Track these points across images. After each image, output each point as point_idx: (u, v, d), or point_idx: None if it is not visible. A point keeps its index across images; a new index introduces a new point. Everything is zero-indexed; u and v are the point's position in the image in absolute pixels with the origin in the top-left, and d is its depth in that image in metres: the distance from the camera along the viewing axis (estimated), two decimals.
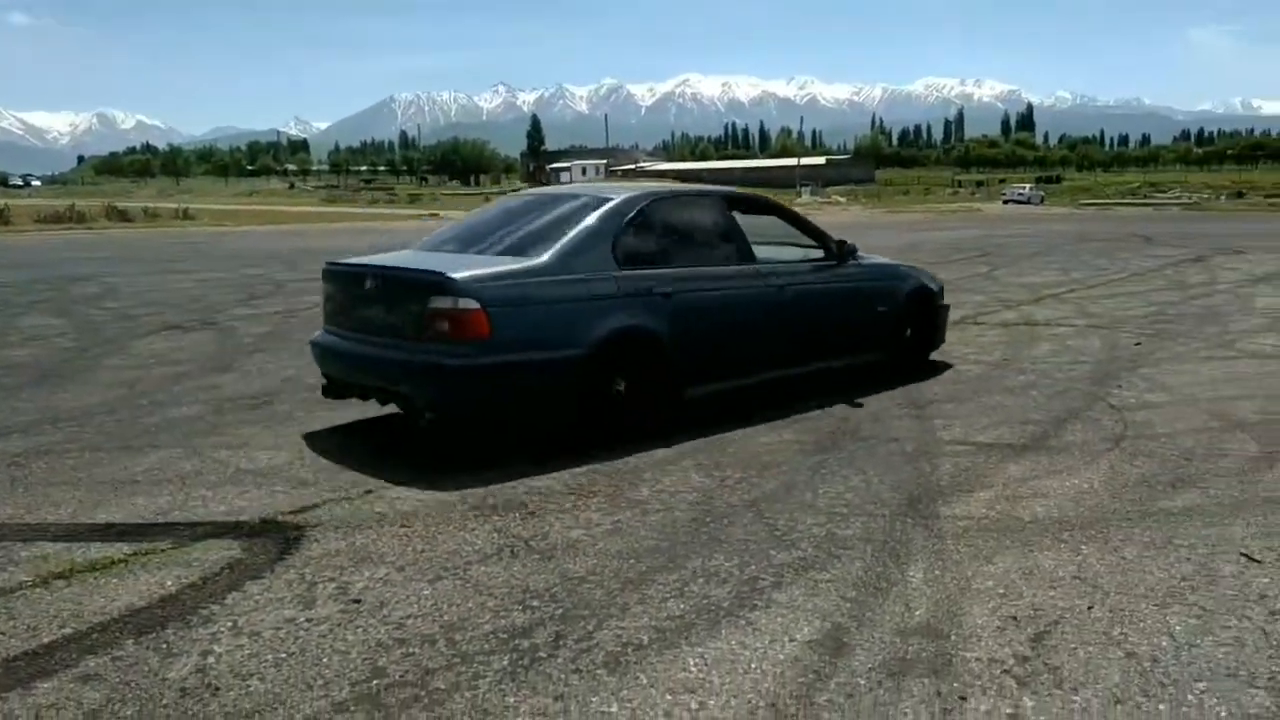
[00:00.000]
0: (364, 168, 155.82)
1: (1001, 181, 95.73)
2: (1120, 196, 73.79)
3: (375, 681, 2.53)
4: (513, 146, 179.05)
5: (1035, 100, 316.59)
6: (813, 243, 6.43)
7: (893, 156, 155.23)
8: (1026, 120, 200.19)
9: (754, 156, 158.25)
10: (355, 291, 5.11)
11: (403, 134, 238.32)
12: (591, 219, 5.08)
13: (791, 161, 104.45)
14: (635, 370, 4.97)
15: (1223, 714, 2.33)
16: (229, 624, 2.88)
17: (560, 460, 4.55)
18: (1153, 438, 4.89)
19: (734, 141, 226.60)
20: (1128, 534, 3.55)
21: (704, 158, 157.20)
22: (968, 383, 6.40)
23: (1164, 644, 2.69)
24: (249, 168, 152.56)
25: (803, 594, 3.06)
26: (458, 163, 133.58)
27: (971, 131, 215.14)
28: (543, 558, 3.38)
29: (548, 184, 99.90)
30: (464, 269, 4.68)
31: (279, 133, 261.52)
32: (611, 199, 5.32)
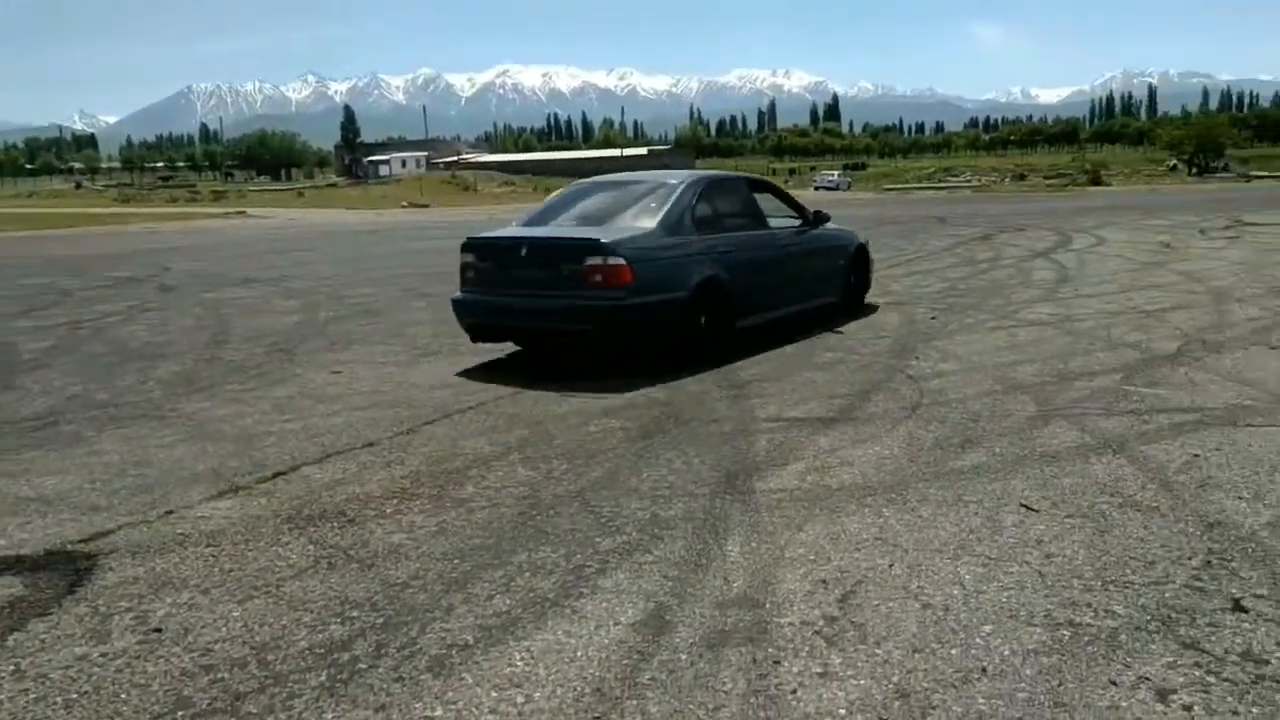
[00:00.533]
0: (161, 164, 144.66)
1: (812, 169, 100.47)
2: (918, 181, 79.14)
3: (180, 713, 2.38)
4: (325, 139, 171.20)
5: (840, 90, 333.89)
6: (793, 212, 8.41)
7: (711, 146, 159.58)
8: (833, 110, 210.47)
9: (578, 147, 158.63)
10: (506, 258, 6.63)
11: (203, 127, 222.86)
12: (674, 197, 6.80)
13: (615, 152, 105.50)
14: (711, 308, 6.62)
15: (1005, 652, 2.56)
16: (9, 668, 2.63)
17: (383, 467, 4.43)
18: (945, 404, 5.29)
19: (557, 132, 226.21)
20: (923, 494, 3.83)
21: (528, 148, 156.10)
22: (782, 361, 6.69)
23: (955, 593, 2.92)
24: (28, 167, 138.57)
25: (627, 578, 3.11)
26: (266, 156, 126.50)
27: (783, 121, 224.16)
28: (362, 566, 3.28)
29: (365, 178, 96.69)
30: (609, 235, 6.26)
31: (61, 128, 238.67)
32: (679, 183, 7.03)
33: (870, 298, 9.46)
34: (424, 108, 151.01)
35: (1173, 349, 6.54)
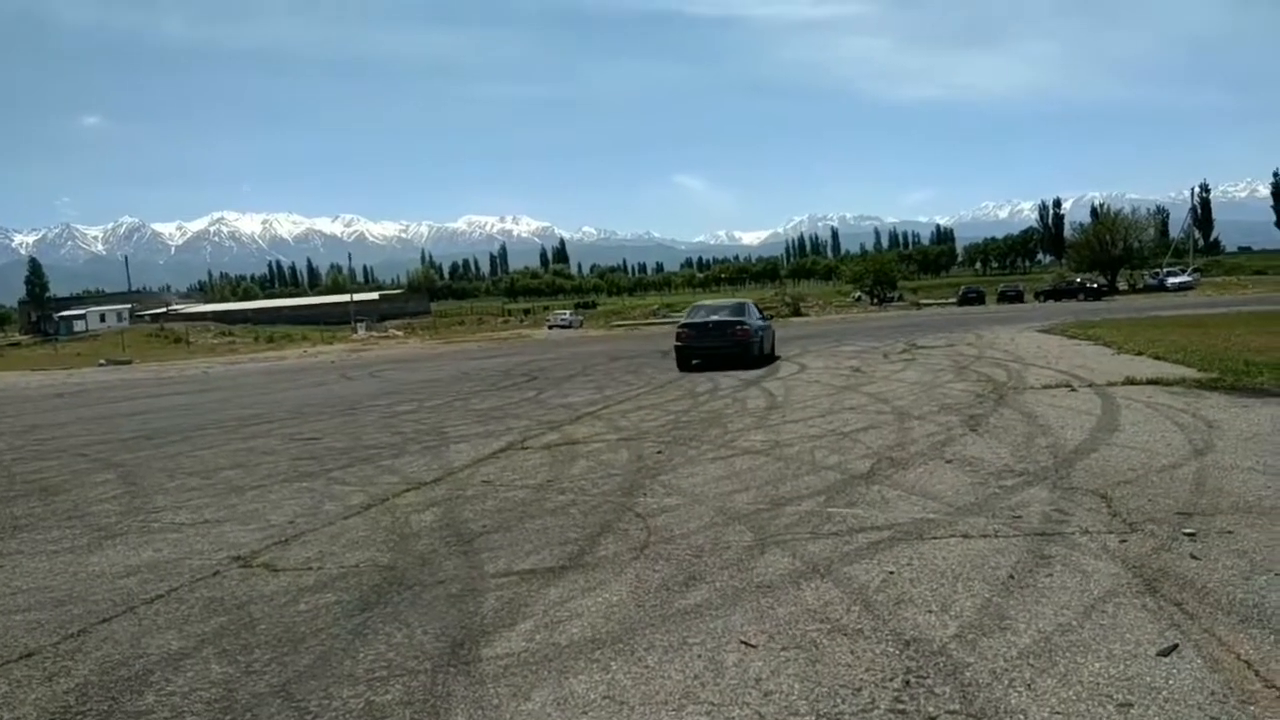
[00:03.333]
0: None
1: (545, 308, 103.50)
2: (644, 317, 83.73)
3: None
4: (8, 295, 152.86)
5: (566, 235, 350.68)
6: (768, 313, 26.74)
7: (445, 289, 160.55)
8: (561, 253, 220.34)
9: (304, 294, 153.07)
10: (703, 326, 18.83)
11: None
12: (749, 306, 20.55)
13: (345, 298, 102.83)
14: (768, 345, 20.18)
15: None
16: None
17: (43, 682, 3.75)
18: (670, 540, 5.40)
19: (280, 279, 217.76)
20: (650, 640, 3.82)
21: (248, 296, 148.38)
22: (514, 509, 6.58)
23: None
24: None
25: None
26: None
27: (515, 264, 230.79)
28: None
29: (55, 335, 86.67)
30: (742, 318, 18.98)
31: None
32: (748, 303, 21.14)
33: (601, 434, 9.67)
34: (126, 258, 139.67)
35: (866, 468, 7.17)
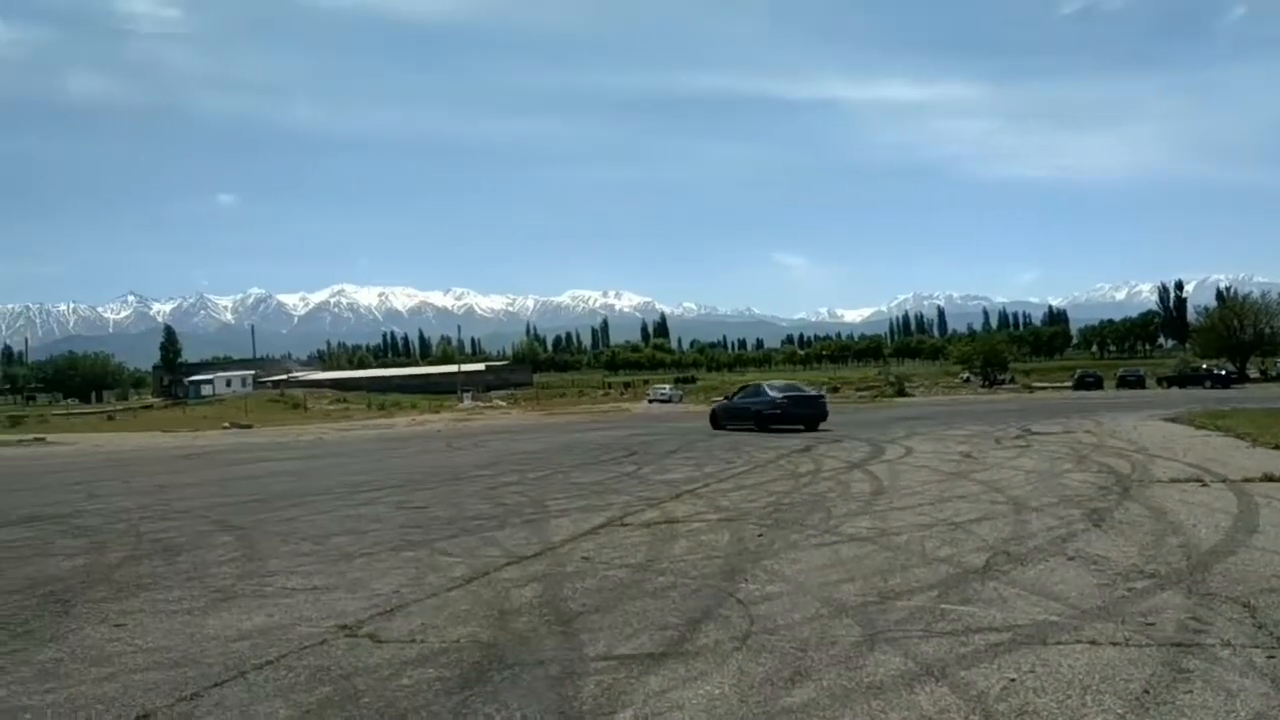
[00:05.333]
0: None
1: (646, 382, 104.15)
2: None
3: None
4: (145, 359, 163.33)
5: (667, 310, 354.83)
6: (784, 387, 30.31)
7: (548, 361, 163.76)
8: (661, 328, 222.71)
9: (415, 363, 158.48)
10: (797, 398, 27.01)
11: (5, 348, 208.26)
12: (811, 387, 32.60)
13: (453, 368, 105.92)
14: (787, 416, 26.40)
15: None
16: None
17: None
18: (774, 630, 5.24)
19: (394, 349, 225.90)
20: None
21: (363, 365, 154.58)
22: (613, 589, 6.52)
23: None
24: None
25: None
26: (76, 379, 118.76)
27: (615, 338, 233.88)
28: None
29: (185, 398, 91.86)
30: (774, 396, 26.70)
31: None
32: (772, 383, 30.87)
33: (702, 513, 9.58)
34: (253, 327, 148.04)
35: (982, 562, 6.85)
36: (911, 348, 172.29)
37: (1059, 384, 77.02)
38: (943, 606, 5.63)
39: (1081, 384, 67.45)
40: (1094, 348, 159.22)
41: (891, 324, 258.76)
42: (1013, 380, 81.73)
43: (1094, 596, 5.74)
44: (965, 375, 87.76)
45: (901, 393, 70.79)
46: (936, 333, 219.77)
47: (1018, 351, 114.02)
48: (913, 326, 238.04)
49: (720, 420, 28.24)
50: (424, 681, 4.61)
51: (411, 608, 6.19)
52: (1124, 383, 66.25)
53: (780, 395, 26.78)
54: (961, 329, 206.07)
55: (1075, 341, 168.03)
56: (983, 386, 78.39)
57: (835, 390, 77.57)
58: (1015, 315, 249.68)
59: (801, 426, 25.30)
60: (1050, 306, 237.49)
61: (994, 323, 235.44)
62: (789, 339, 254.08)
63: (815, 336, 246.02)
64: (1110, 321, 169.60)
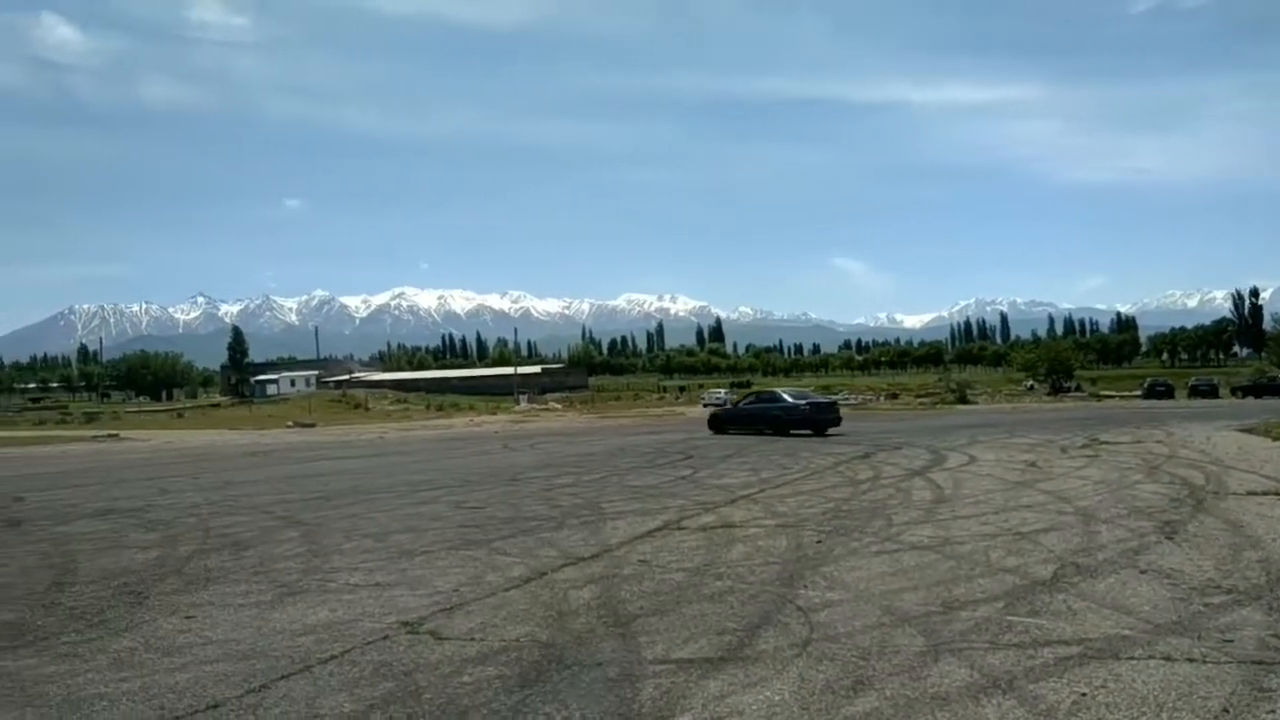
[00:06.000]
0: (33, 384, 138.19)
1: (700, 386, 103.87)
2: None
3: None
4: (213, 359, 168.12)
5: (722, 314, 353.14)
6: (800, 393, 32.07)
7: (604, 364, 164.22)
8: (716, 332, 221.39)
9: (473, 365, 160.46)
10: (819, 404, 28.68)
11: (82, 347, 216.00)
12: (789, 391, 33.23)
13: (509, 370, 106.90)
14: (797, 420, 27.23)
15: None
16: None
17: None
18: (834, 639, 5.16)
19: (452, 351, 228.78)
20: None
21: (422, 366, 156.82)
22: (670, 592, 6.50)
23: None
24: None
25: None
26: (148, 377, 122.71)
27: (670, 342, 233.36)
28: None
29: (251, 397, 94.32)
30: (797, 402, 28.24)
31: None
32: (788, 390, 32.96)
33: (759, 518, 9.52)
34: (316, 328, 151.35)
35: (1049, 574, 6.67)
36: (973, 354, 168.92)
37: (1127, 393, 74.77)
38: (1009, 618, 5.49)
39: (1151, 393, 65.39)
40: (1164, 356, 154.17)
41: (953, 329, 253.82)
42: (1079, 388, 79.53)
43: (1168, 611, 5.54)
44: (1030, 383, 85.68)
45: (963, 400, 69.39)
46: (999, 339, 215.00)
47: (1084, 359, 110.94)
48: (975, 332, 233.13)
49: (724, 425, 29.08)
50: (484, 679, 4.64)
51: (471, 606, 6.26)
52: (1196, 392, 64.01)
53: (804, 401, 28.51)
54: (1025, 335, 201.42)
55: (1144, 349, 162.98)
56: (1048, 394, 76.48)
57: (894, 397, 76.51)
58: (1081, 321, 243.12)
59: (810, 431, 26.86)
60: (1118, 313, 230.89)
61: (1059, 329, 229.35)
62: (846, 344, 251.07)
63: (874, 342, 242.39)
64: (1182, 329, 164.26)
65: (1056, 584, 6.34)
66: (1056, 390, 78.01)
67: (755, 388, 42.91)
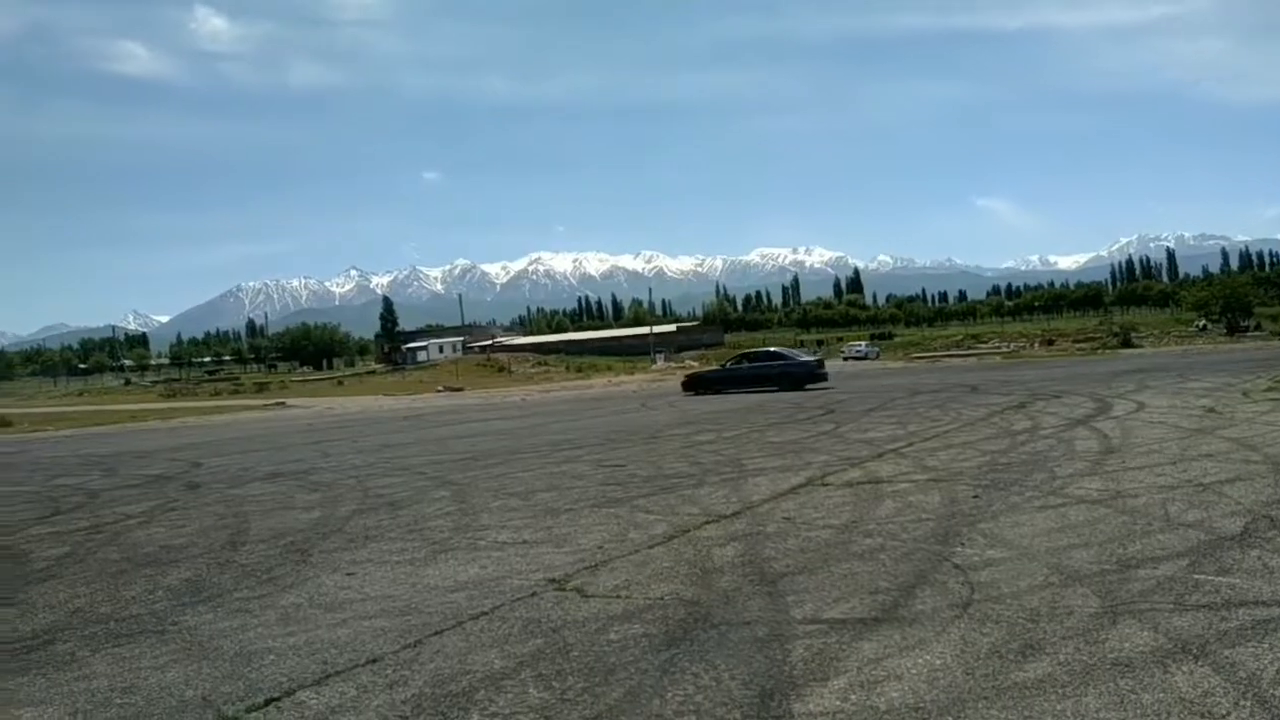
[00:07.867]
0: (208, 358, 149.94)
1: (839, 340, 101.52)
2: (946, 349, 79.47)
3: None
4: (367, 328, 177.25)
5: (860, 265, 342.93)
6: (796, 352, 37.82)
7: (739, 321, 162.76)
8: (855, 283, 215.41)
9: (609, 326, 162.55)
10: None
11: (250, 321, 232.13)
12: (801, 350, 45.81)
13: (645, 330, 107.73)
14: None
15: None
16: None
17: (385, 689, 4.06)
18: (998, 599, 4.85)
19: (588, 313, 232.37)
20: (985, 716, 3.38)
21: (560, 329, 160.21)
22: (817, 550, 6.30)
23: None
24: (81, 366, 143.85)
25: None
26: (309, 347, 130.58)
27: (806, 295, 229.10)
28: None
29: (403, 364, 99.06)
30: (803, 359, 33.26)
31: (114, 328, 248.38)
32: (795, 351, 40.53)
33: (908, 473, 9.15)
34: (460, 296, 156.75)
35: (1239, 528, 6.06)
36: (1137, 295, 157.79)
37: None
38: (1196, 577, 5.01)
39: None
40: None
41: (1113, 269, 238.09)
42: (1259, 327, 73.05)
43: None
44: (1202, 323, 79.32)
45: (1127, 343, 65.11)
46: (1165, 277, 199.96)
47: (1265, 295, 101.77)
48: (1138, 271, 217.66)
49: (714, 385, 31.22)
50: (630, 637, 4.61)
51: (615, 563, 6.26)
52: None
53: (813, 358, 33.51)
54: (1195, 273, 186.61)
55: None
56: (1223, 335, 70.69)
57: (1050, 343, 72.59)
58: (1260, 254, 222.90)
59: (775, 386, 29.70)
60: None
61: (1234, 264, 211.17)
62: (994, 289, 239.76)
63: (1025, 286, 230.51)
64: None
65: (1248, 539, 5.76)
66: (1233, 330, 72.00)
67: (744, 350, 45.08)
